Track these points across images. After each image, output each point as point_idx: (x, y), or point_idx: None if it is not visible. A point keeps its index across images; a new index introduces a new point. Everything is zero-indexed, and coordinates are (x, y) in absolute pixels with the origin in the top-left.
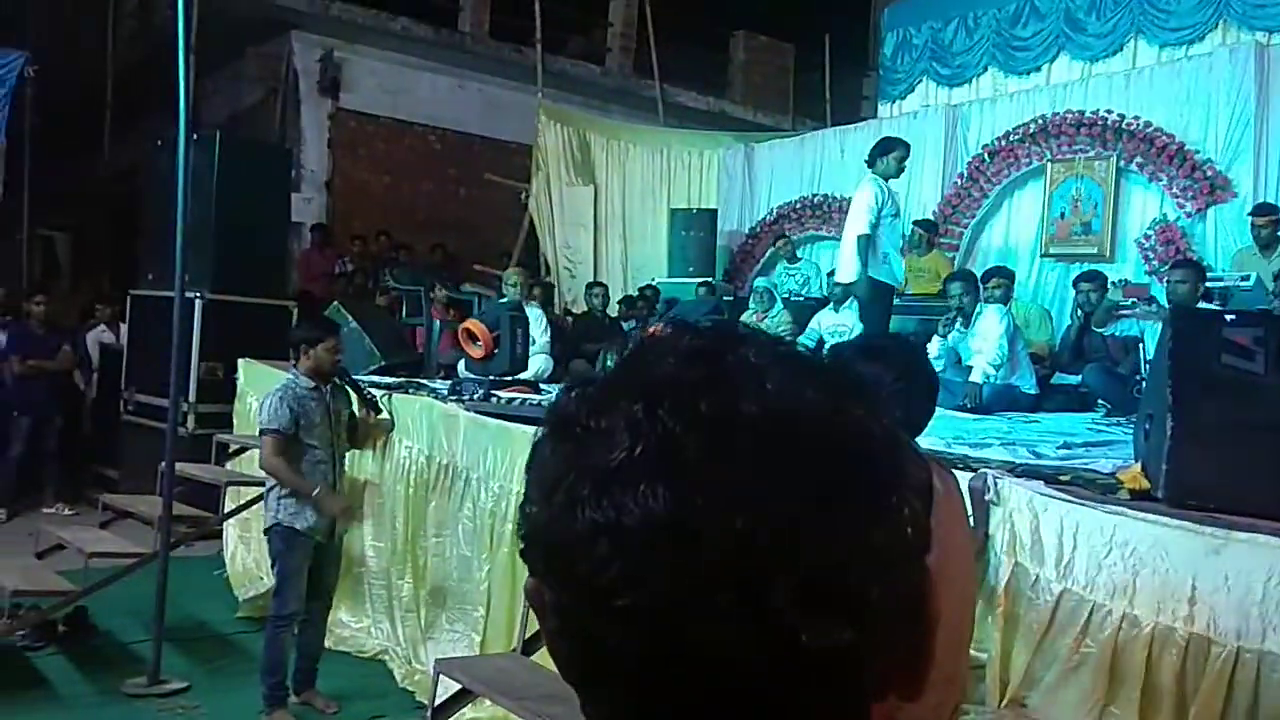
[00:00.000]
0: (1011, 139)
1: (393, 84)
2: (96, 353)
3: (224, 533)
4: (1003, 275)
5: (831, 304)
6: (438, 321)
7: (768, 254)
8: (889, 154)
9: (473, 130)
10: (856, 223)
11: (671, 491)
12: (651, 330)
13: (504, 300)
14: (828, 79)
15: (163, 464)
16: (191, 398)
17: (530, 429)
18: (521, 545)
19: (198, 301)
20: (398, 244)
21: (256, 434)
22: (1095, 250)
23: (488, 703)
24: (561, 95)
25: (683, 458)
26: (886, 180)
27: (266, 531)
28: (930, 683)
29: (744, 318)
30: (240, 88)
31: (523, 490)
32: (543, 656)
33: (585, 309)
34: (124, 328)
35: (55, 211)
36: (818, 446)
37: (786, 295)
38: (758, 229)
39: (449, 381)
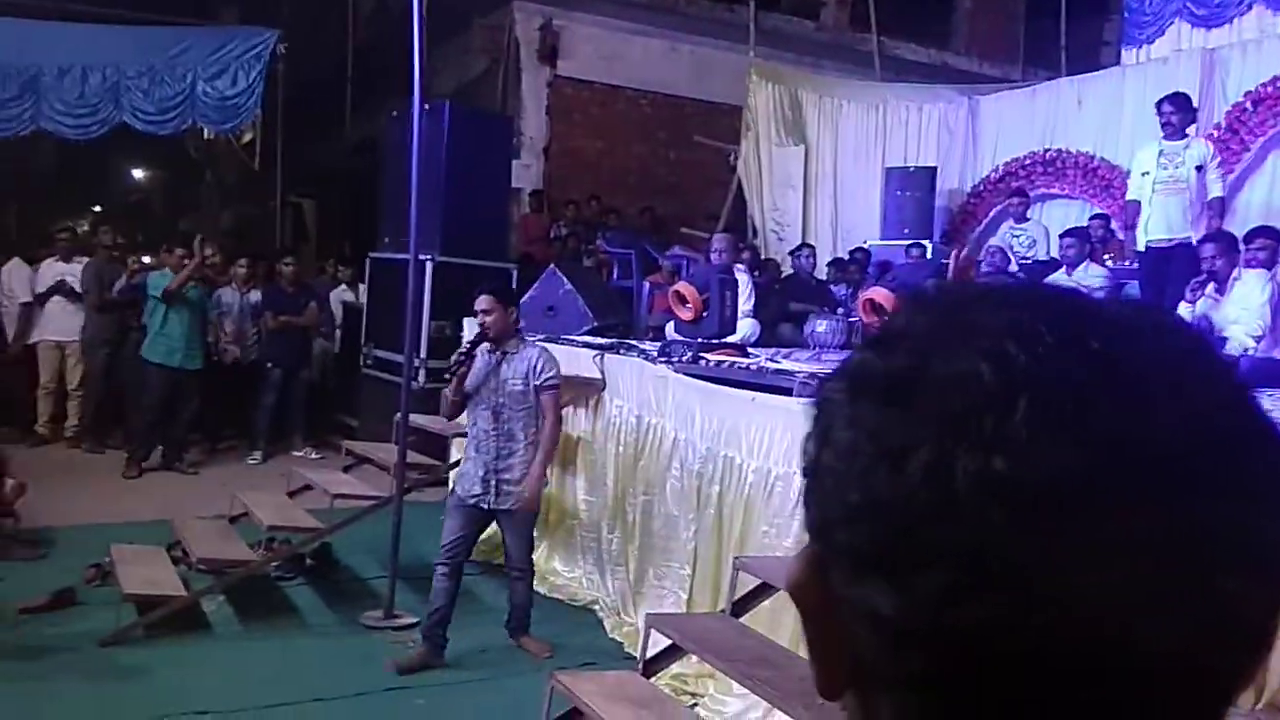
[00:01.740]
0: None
1: (607, 49)
2: (340, 311)
3: (450, 480)
4: (1269, 236)
5: (1065, 267)
6: (647, 284)
7: (992, 213)
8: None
9: (683, 93)
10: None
11: (1083, 449)
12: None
13: (714, 263)
14: (1063, 24)
15: (398, 415)
16: (423, 354)
17: (739, 392)
18: (837, 536)
19: (429, 264)
20: (608, 207)
21: None
22: None
23: (694, 659)
24: (774, 53)
25: (1087, 413)
26: (1165, 139)
27: None
28: None
29: None
30: (466, 59)
31: (816, 468)
32: (752, 619)
33: (791, 272)
34: (363, 288)
35: (303, 180)
36: (1246, 421)
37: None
38: (981, 187)
39: (658, 343)
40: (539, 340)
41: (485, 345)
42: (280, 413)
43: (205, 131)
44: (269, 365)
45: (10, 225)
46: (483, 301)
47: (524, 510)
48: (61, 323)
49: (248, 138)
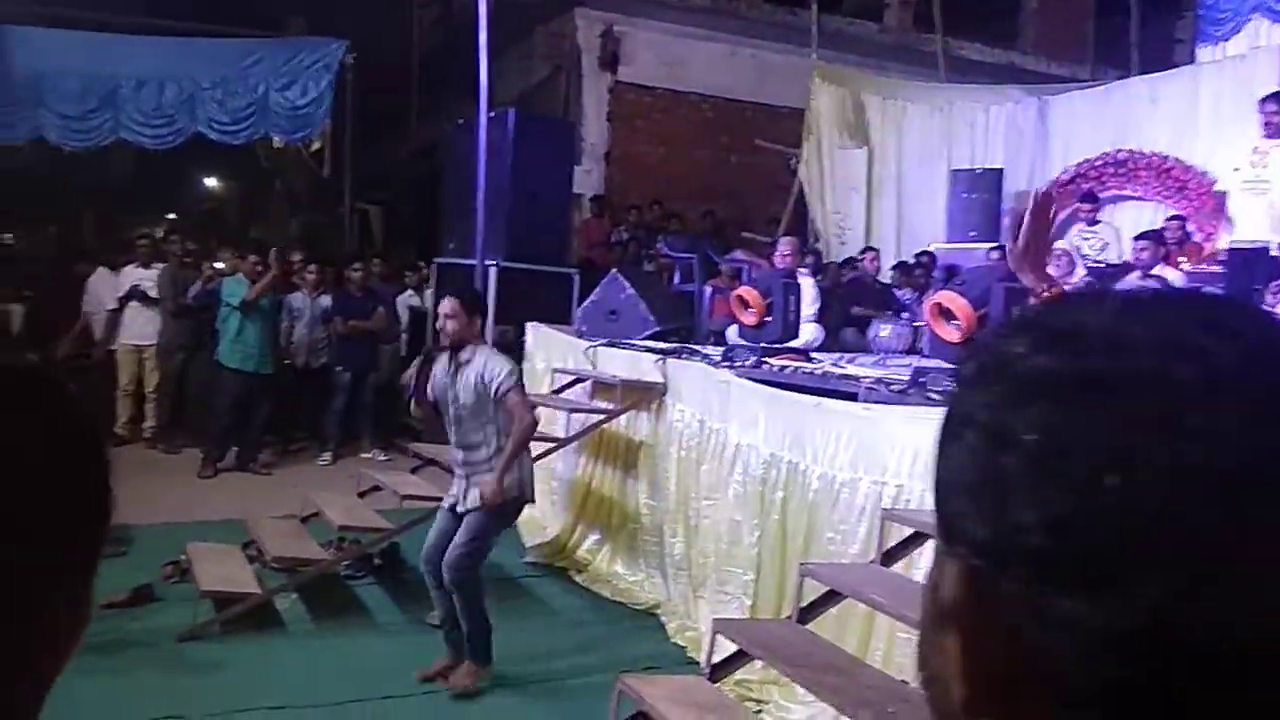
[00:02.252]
0: None
1: (669, 55)
2: (406, 315)
3: None
4: None
5: (1138, 271)
6: (709, 288)
7: (1062, 216)
8: None
9: (744, 97)
10: None
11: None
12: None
13: (779, 267)
14: (1134, 22)
15: None
16: None
17: (803, 398)
18: (1029, 546)
19: (493, 269)
20: (670, 212)
21: (543, 394)
22: None
23: (758, 665)
24: (836, 56)
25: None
26: (1265, 137)
27: None
28: None
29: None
30: (529, 65)
31: (986, 475)
32: (818, 625)
33: (852, 275)
34: (429, 292)
35: (370, 187)
36: None
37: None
38: (1050, 189)
39: (720, 348)
40: (600, 344)
41: (445, 356)
42: (349, 415)
43: (275, 140)
44: (338, 369)
45: (88, 233)
46: (447, 305)
47: (486, 508)
48: (140, 327)
49: (316, 146)
